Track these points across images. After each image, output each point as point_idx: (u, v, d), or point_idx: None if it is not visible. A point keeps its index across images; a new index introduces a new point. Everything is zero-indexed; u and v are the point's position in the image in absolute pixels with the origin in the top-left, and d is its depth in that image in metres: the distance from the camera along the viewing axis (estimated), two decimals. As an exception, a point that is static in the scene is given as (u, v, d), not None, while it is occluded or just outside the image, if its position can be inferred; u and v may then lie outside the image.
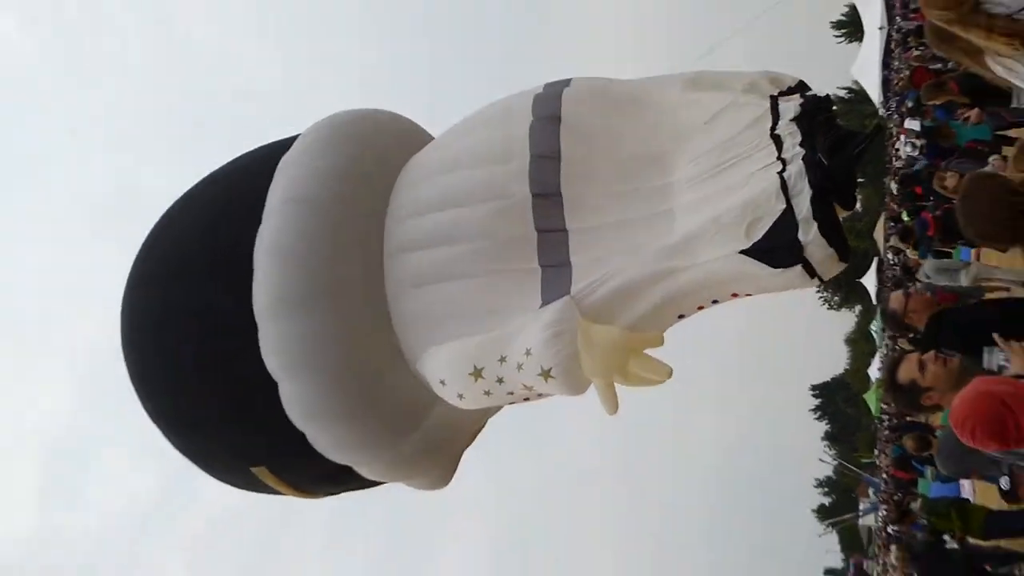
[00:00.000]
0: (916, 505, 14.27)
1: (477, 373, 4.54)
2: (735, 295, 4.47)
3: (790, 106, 4.51)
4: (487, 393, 4.60)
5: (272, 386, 4.74)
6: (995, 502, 11.31)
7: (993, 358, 4.99)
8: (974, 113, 13.01)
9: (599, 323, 4.35)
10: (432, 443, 5.09)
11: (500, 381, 4.52)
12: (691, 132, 4.63)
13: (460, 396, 4.68)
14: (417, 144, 5.45)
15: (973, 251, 15.92)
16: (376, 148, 5.30)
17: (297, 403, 4.73)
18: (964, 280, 16.18)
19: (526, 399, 4.73)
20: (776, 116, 4.49)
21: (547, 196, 4.68)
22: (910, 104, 20.67)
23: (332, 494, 5.58)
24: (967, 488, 13.57)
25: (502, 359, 4.49)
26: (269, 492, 5.41)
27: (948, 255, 16.11)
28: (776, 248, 4.20)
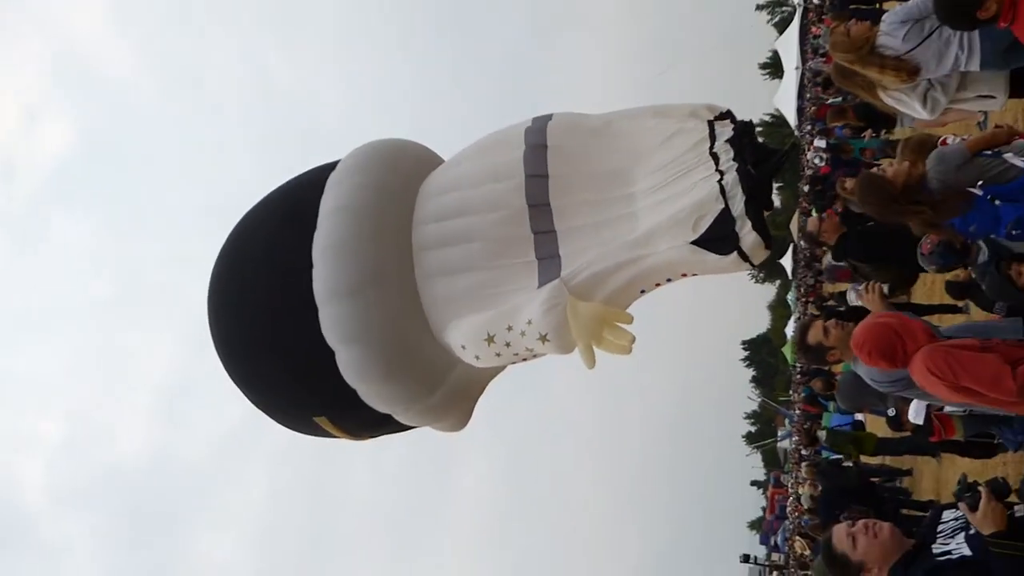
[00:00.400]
0: (822, 434, 14.23)
1: (490, 339, 4.68)
2: (684, 275, 4.62)
3: (724, 130, 4.61)
4: (498, 355, 4.74)
5: (331, 354, 4.89)
6: (884, 431, 11.28)
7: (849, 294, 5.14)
8: (868, 134, 13.04)
9: (582, 300, 4.50)
10: (453, 396, 5.23)
11: (508, 344, 4.67)
12: (647, 152, 4.73)
13: (477, 357, 4.81)
14: (432, 165, 5.53)
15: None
16: (401, 168, 5.37)
17: (350, 367, 4.88)
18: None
19: (526, 359, 4.88)
20: (713, 138, 4.59)
21: (539, 206, 4.84)
22: (818, 128, 20.64)
23: (375, 437, 5.70)
24: (859, 416, 13.58)
25: (509, 328, 4.63)
26: (327, 436, 5.55)
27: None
28: (717, 239, 4.36)
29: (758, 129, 4.71)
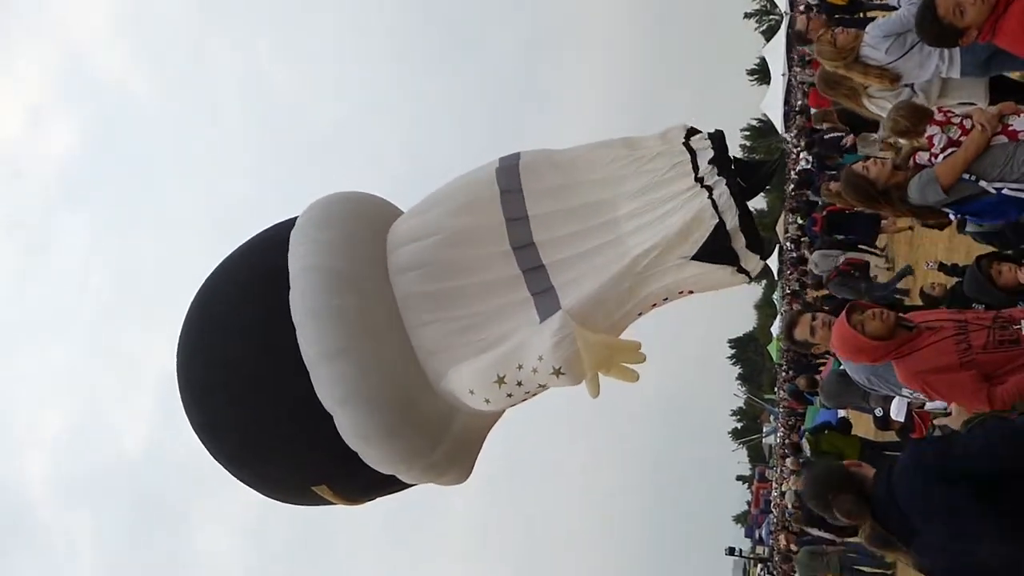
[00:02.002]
0: (805, 443, 14.29)
1: (500, 380, 4.52)
2: (682, 293, 4.59)
3: (702, 146, 4.55)
4: (509, 395, 4.58)
5: (327, 418, 4.61)
6: (868, 431, 11.31)
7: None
8: (850, 139, 13.08)
9: (586, 328, 4.41)
10: (457, 448, 4.98)
11: (519, 384, 4.53)
12: (625, 179, 4.64)
13: (487, 401, 4.63)
14: (392, 213, 5.31)
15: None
16: (365, 217, 5.15)
17: (350, 429, 4.60)
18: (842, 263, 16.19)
19: (534, 395, 4.71)
20: (693, 154, 4.53)
21: (524, 247, 4.71)
22: (804, 142, 20.65)
23: (373, 499, 5.41)
24: (841, 413, 13.59)
25: (520, 366, 4.48)
26: (322, 504, 5.25)
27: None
28: (713, 253, 4.36)
29: (746, 134, 4.72)
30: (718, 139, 4.58)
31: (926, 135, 4.93)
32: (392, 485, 5.05)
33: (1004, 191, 4.66)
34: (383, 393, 4.61)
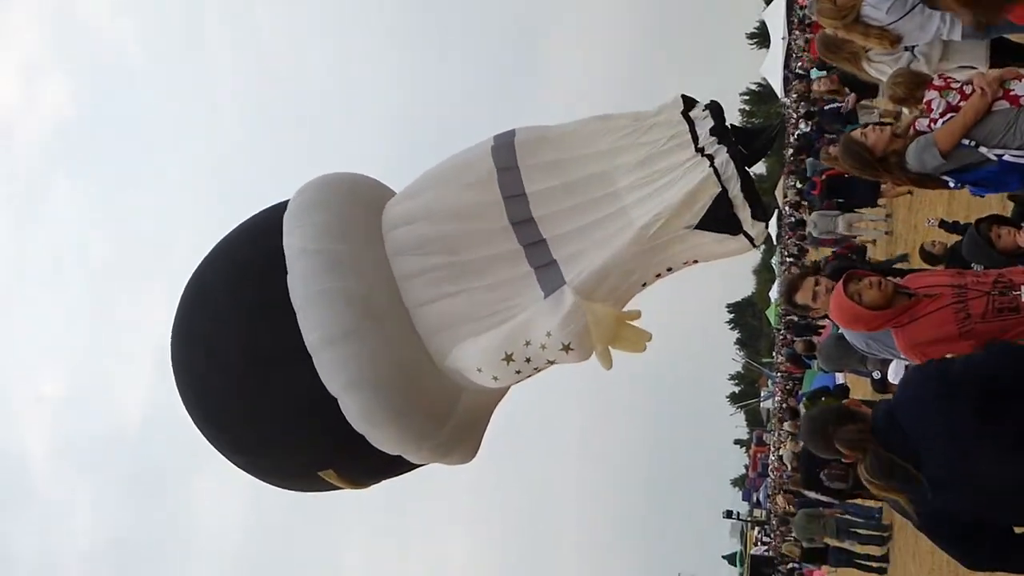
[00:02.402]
0: (802, 407, 14.36)
1: (508, 358, 4.47)
2: (687, 263, 4.60)
3: (701, 115, 4.53)
4: (518, 372, 4.54)
5: (332, 402, 4.53)
6: (867, 394, 11.34)
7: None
8: (852, 97, 13.02)
9: (591, 301, 4.39)
10: (463, 427, 4.92)
11: (528, 360, 4.48)
12: (623, 151, 4.59)
13: (495, 378, 4.59)
14: (385, 193, 5.20)
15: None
16: (360, 198, 5.05)
17: (356, 413, 4.52)
18: (840, 226, 16.17)
19: (542, 371, 4.67)
20: (691, 123, 4.51)
21: (523, 222, 4.64)
22: (803, 110, 20.53)
23: (381, 481, 5.32)
24: (840, 378, 13.66)
25: (527, 343, 4.45)
26: (329, 490, 5.16)
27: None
28: (717, 221, 4.34)
29: (745, 98, 4.70)
30: (716, 109, 4.55)
31: (924, 100, 4.89)
32: (399, 467, 5.00)
33: (1005, 158, 4.63)
34: (388, 375, 4.54)
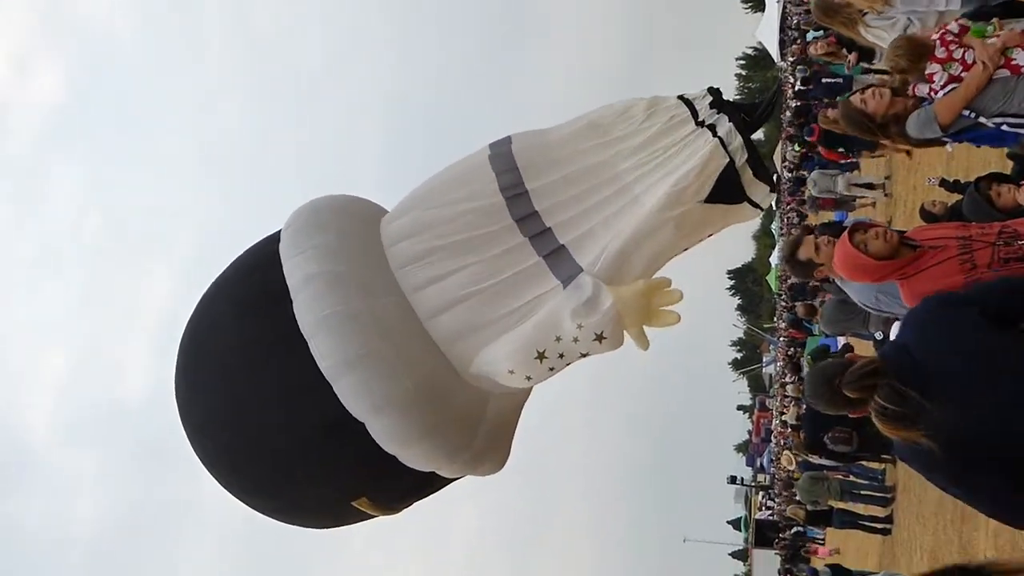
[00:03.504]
0: (805, 362, 14.37)
1: (541, 356, 4.41)
2: (701, 238, 4.61)
3: (699, 98, 4.54)
4: (551, 368, 4.48)
5: (358, 426, 4.38)
6: (868, 353, 11.36)
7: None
8: (853, 56, 12.98)
9: (614, 284, 4.35)
10: (493, 434, 4.84)
11: (561, 356, 4.42)
12: (623, 139, 4.57)
13: (528, 378, 4.51)
14: (377, 213, 5.08)
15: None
16: (356, 216, 4.96)
17: (386, 434, 4.40)
18: (840, 185, 16.16)
19: (573, 364, 4.60)
20: (690, 104, 4.52)
21: (527, 217, 4.57)
22: (800, 72, 20.49)
23: (413, 503, 5.17)
24: (841, 340, 13.69)
25: (558, 339, 4.38)
26: (361, 520, 5.02)
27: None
28: (726, 192, 4.36)
29: (741, 63, 4.70)
30: (714, 90, 4.57)
31: (927, 72, 4.86)
32: (431, 485, 4.90)
33: (1003, 127, 4.64)
34: (413, 392, 4.41)
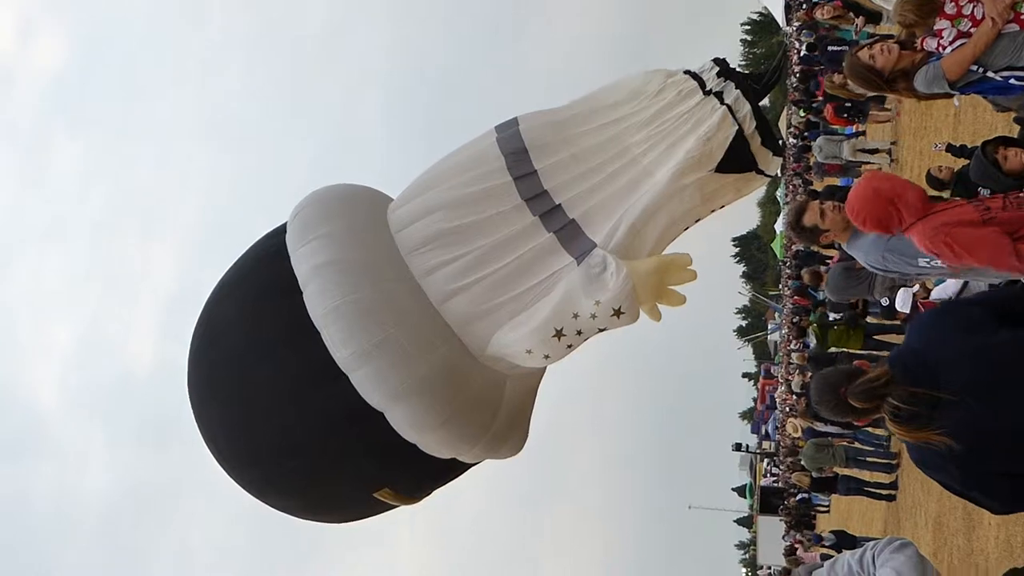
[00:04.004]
0: (811, 330, 14.31)
1: (559, 333, 4.35)
2: (712, 210, 4.59)
3: (706, 70, 4.52)
4: (569, 346, 4.44)
5: (376, 416, 4.34)
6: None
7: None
8: (861, 20, 12.92)
9: (629, 258, 4.32)
10: (512, 416, 4.80)
11: (579, 333, 4.38)
12: (631, 115, 4.54)
13: (546, 356, 4.48)
14: (382, 200, 5.03)
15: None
16: (361, 204, 4.90)
17: (405, 422, 4.36)
18: (846, 151, 16.07)
19: (589, 340, 4.57)
20: (698, 78, 4.49)
21: (536, 196, 4.52)
22: (805, 36, 20.32)
23: (434, 491, 5.14)
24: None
25: (575, 315, 4.33)
26: (383, 510, 5.00)
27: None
28: (736, 159, 4.35)
29: (746, 28, 4.65)
30: (720, 60, 4.54)
31: (935, 28, 4.82)
32: (453, 471, 4.88)
33: (1011, 81, 4.61)
34: (431, 378, 4.37)
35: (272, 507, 5.04)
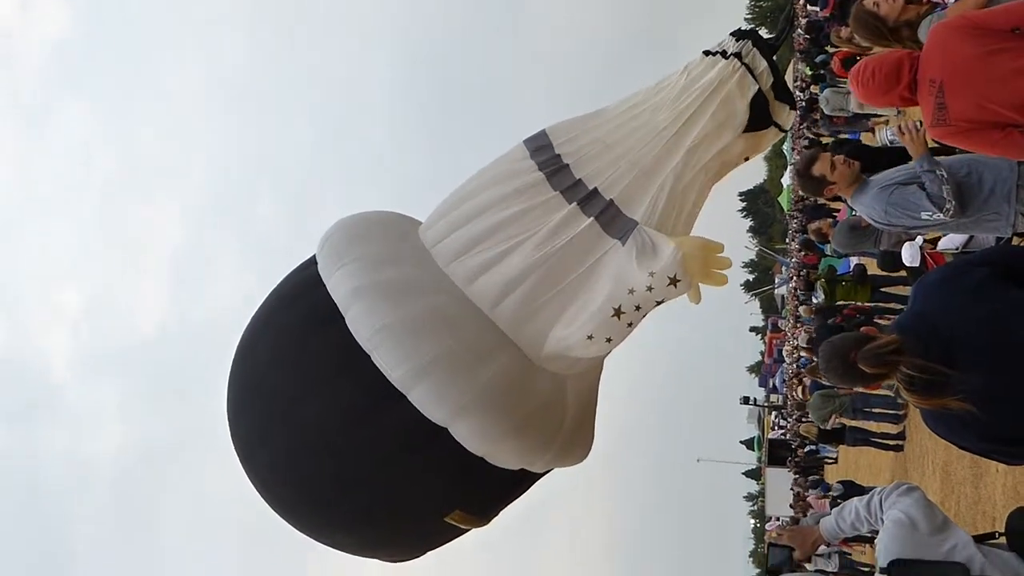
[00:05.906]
0: (819, 285, 14.33)
1: (618, 312, 4.28)
2: (732, 169, 4.64)
3: (723, 41, 4.53)
4: (629, 324, 4.36)
5: (439, 433, 4.19)
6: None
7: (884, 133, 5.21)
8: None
9: (670, 233, 4.32)
10: (579, 418, 4.70)
11: (638, 308, 4.31)
12: (657, 100, 4.52)
13: (608, 340, 4.38)
14: (410, 222, 4.93)
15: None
16: (392, 225, 4.83)
17: (473, 437, 4.22)
18: (853, 103, 16.01)
19: (646, 316, 4.50)
20: (719, 52, 4.50)
21: (571, 186, 4.44)
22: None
23: (504, 508, 4.93)
24: (854, 260, 13.68)
25: (631, 291, 4.27)
26: (454, 536, 4.81)
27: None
28: (756, 116, 4.36)
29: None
30: (736, 31, 4.53)
31: None
32: (522, 484, 4.75)
33: (1015, 31, 4.65)
34: (494, 386, 4.24)
35: (343, 549, 4.89)
